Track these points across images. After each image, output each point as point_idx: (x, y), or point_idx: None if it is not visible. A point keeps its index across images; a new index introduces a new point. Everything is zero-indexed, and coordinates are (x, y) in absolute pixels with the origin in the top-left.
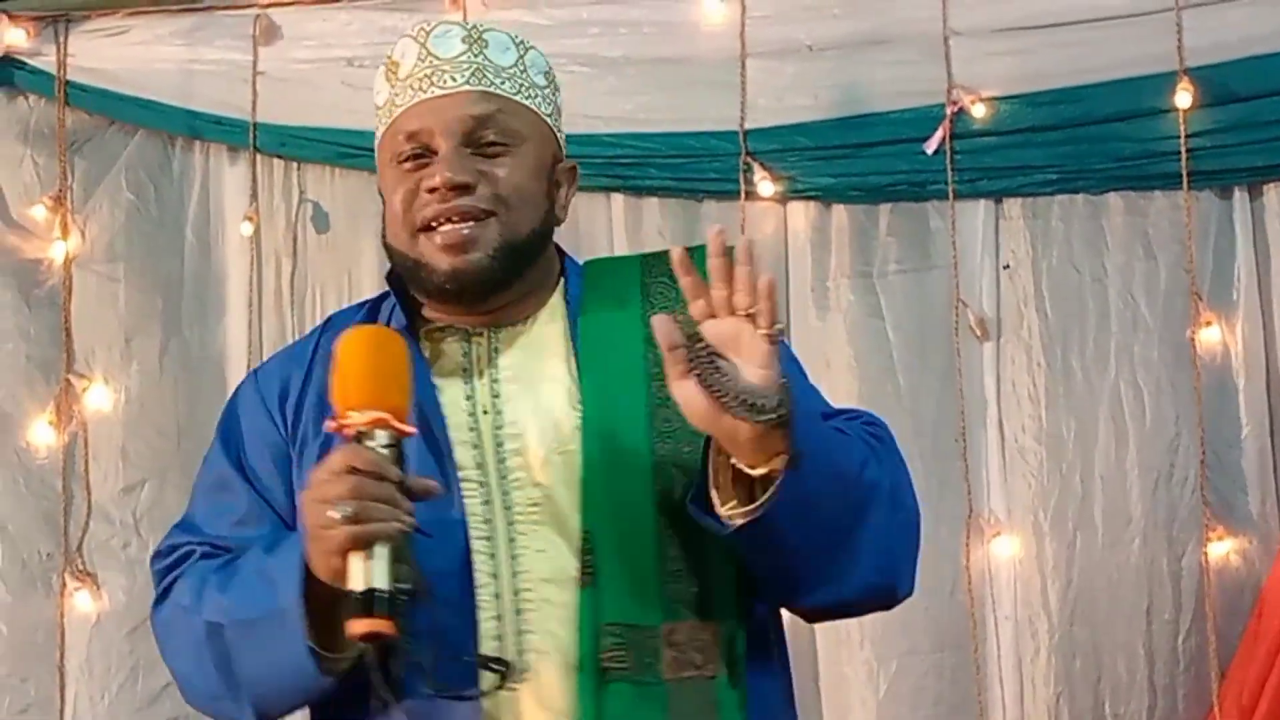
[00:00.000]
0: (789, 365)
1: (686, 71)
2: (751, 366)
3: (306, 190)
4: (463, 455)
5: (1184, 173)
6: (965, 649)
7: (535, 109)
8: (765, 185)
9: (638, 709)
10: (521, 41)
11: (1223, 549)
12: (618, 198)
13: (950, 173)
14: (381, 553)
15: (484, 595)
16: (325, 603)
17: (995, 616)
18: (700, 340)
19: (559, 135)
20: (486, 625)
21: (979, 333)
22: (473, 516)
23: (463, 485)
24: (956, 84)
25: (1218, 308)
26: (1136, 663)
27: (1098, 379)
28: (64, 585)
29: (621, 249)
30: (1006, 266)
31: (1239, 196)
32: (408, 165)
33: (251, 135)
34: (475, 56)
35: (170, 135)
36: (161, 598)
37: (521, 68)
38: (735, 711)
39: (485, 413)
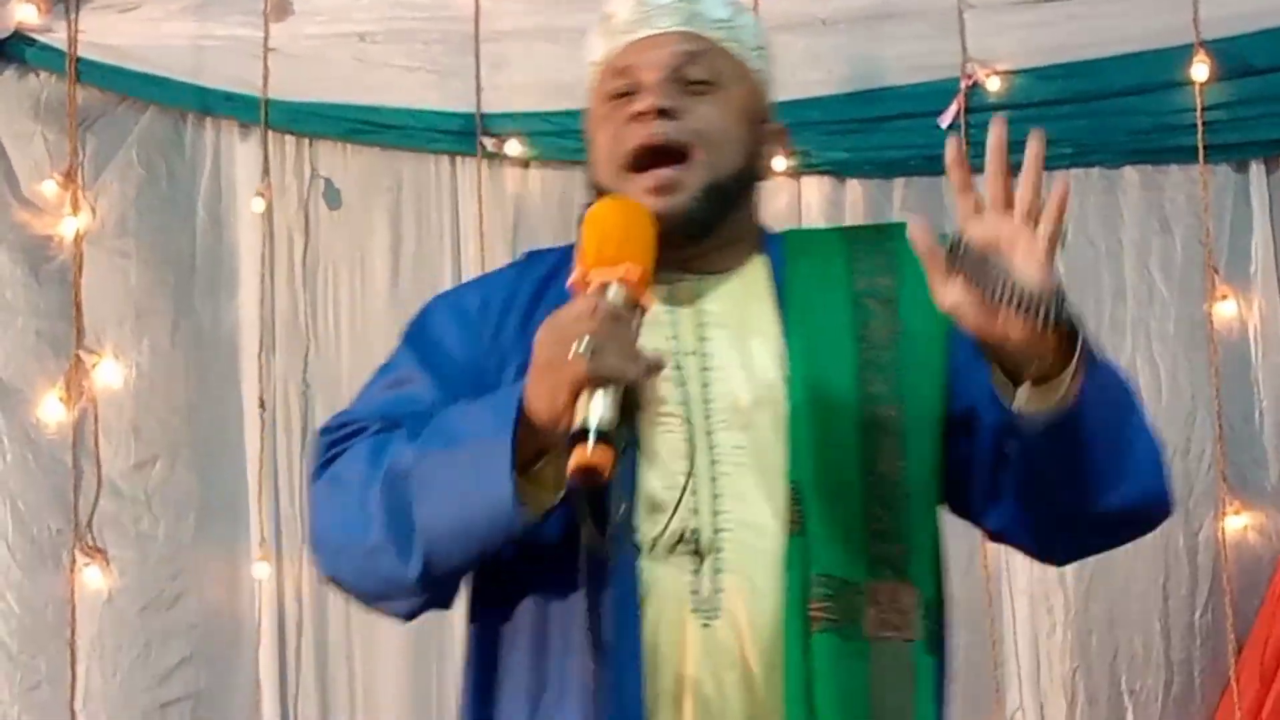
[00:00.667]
0: None
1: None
2: (1027, 267)
3: (318, 166)
4: (666, 391)
5: (1200, 146)
6: (982, 625)
7: (744, 61)
8: (778, 160)
9: (842, 662)
10: (738, 4)
11: (1239, 523)
12: None
13: (965, 147)
14: (612, 394)
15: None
16: (531, 449)
17: (1011, 592)
18: (961, 244)
19: (767, 98)
20: (689, 562)
21: None
22: (673, 452)
23: (666, 420)
24: (971, 58)
25: (1234, 282)
26: (1153, 638)
27: (1114, 354)
28: (74, 561)
29: None
30: None
31: (1255, 170)
32: (616, 102)
33: (263, 111)
34: (690, 3)
35: (181, 111)
36: (323, 467)
37: (734, 24)
38: (929, 677)
39: (691, 353)
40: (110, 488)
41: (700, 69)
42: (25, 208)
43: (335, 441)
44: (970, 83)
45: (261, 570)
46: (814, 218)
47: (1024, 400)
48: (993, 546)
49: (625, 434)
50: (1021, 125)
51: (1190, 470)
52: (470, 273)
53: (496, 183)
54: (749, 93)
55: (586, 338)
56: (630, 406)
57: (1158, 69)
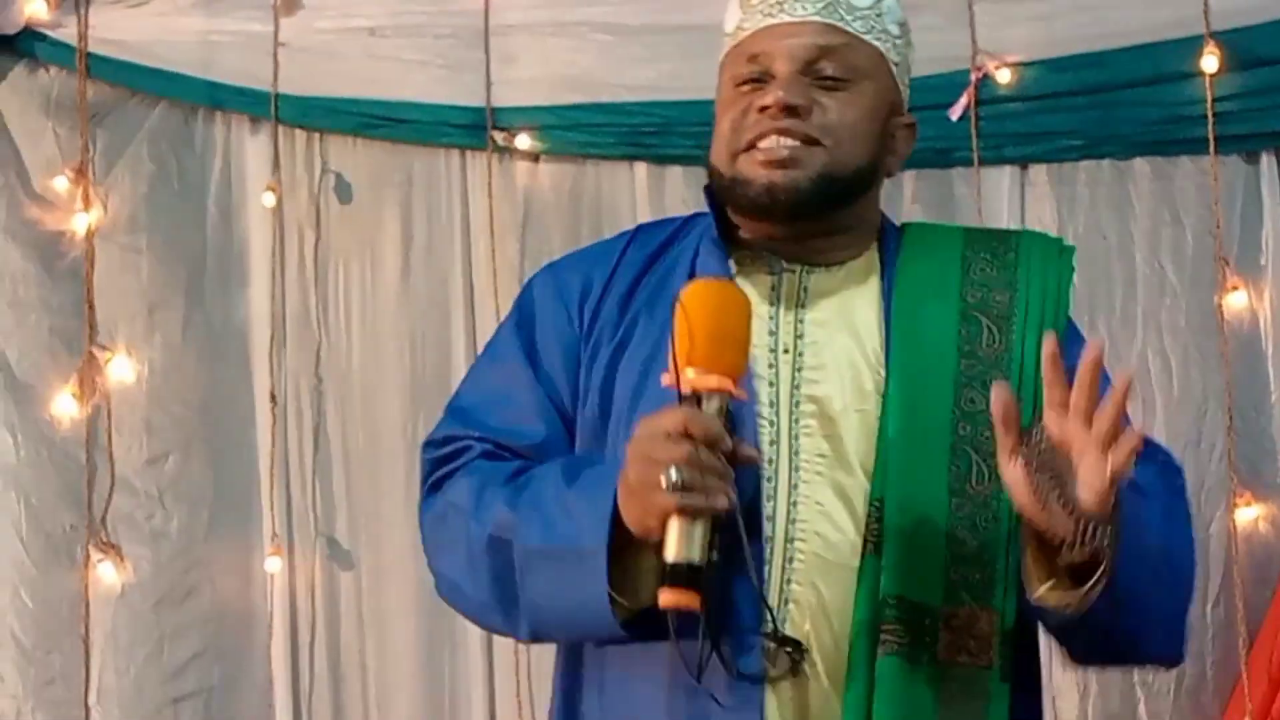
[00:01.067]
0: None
1: (709, 39)
2: (1086, 487)
3: (329, 161)
4: (758, 389)
5: (1210, 137)
6: None
7: (884, 53)
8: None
9: (910, 686)
10: None
11: (1250, 515)
12: (640, 166)
13: (975, 139)
14: (702, 525)
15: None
16: (626, 549)
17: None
18: (1037, 431)
19: (902, 88)
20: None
21: None
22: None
23: (756, 422)
24: (981, 49)
25: (1245, 273)
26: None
27: (1125, 346)
28: (88, 557)
29: (645, 218)
30: None
31: (1266, 161)
32: (745, 88)
33: (273, 106)
34: None
35: (192, 106)
36: (433, 490)
37: (878, 11)
38: (1004, 702)
39: (786, 351)
40: (123, 484)
41: (835, 64)
42: (37, 203)
43: (441, 459)
44: (980, 75)
45: (273, 564)
46: None
47: (1043, 591)
48: None
49: (717, 551)
50: (1032, 117)
51: (1200, 463)
52: (480, 267)
53: (507, 177)
54: (884, 87)
55: (674, 470)
56: (720, 524)
57: (1168, 60)
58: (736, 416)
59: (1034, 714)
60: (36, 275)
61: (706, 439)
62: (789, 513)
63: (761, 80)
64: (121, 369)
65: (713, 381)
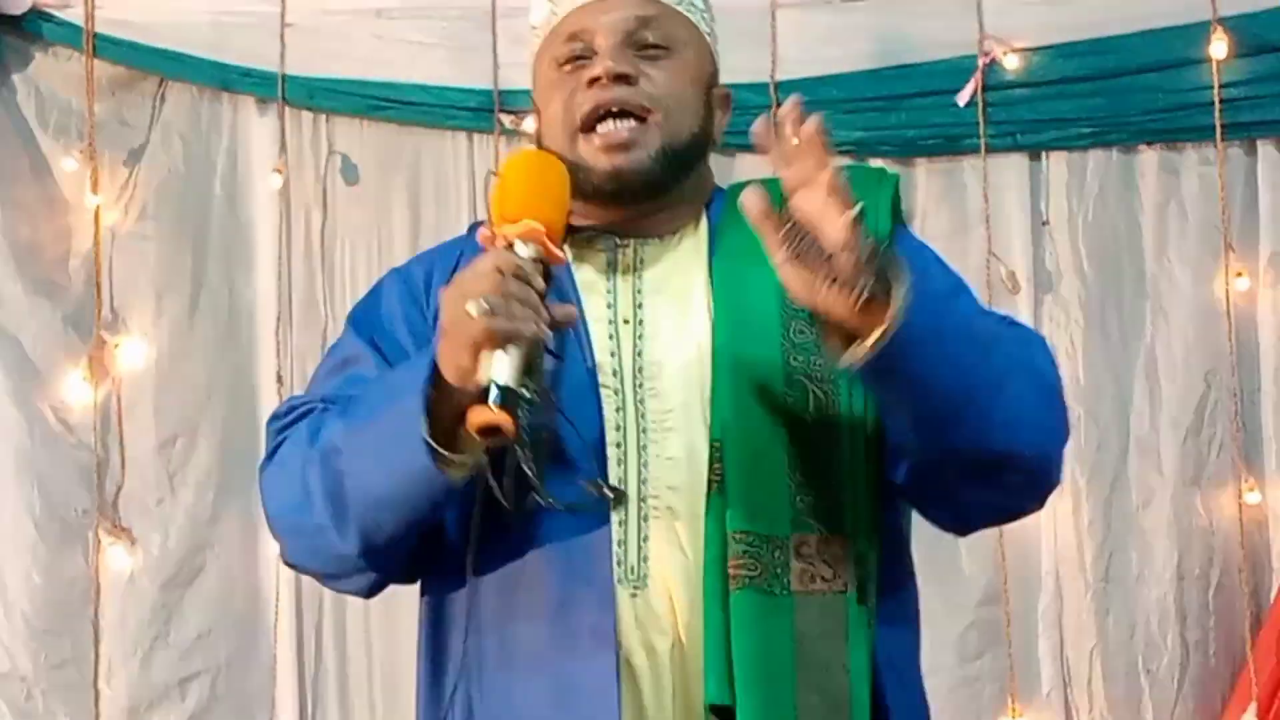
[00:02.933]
0: (915, 254)
1: (716, 22)
2: (832, 242)
3: (335, 142)
4: (601, 359)
5: (1217, 124)
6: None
7: (696, 23)
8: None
9: (764, 618)
10: None
11: (1252, 501)
12: None
13: (982, 125)
14: (514, 352)
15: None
16: (449, 410)
17: (1035, 573)
18: (786, 216)
19: (717, 59)
20: (613, 530)
21: (1010, 286)
22: (606, 422)
23: (601, 391)
24: (988, 35)
25: (1248, 260)
26: (1168, 619)
27: (1132, 333)
28: (98, 541)
29: None
30: (1045, 223)
31: (1263, 151)
32: (568, 68)
33: (280, 87)
34: None
35: (199, 87)
36: (270, 455)
37: None
38: (864, 628)
39: (626, 322)
40: (134, 467)
41: (656, 33)
42: (45, 186)
43: (282, 428)
44: (988, 60)
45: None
46: None
47: (850, 356)
48: (1014, 527)
49: (532, 389)
50: (1040, 104)
51: (1202, 449)
52: None
53: None
54: (702, 56)
55: (481, 299)
56: (534, 361)
57: (1176, 46)
58: (576, 379)
59: (908, 650)
60: (45, 259)
61: (515, 273)
62: (640, 474)
63: (584, 57)
64: (131, 353)
65: (520, 228)
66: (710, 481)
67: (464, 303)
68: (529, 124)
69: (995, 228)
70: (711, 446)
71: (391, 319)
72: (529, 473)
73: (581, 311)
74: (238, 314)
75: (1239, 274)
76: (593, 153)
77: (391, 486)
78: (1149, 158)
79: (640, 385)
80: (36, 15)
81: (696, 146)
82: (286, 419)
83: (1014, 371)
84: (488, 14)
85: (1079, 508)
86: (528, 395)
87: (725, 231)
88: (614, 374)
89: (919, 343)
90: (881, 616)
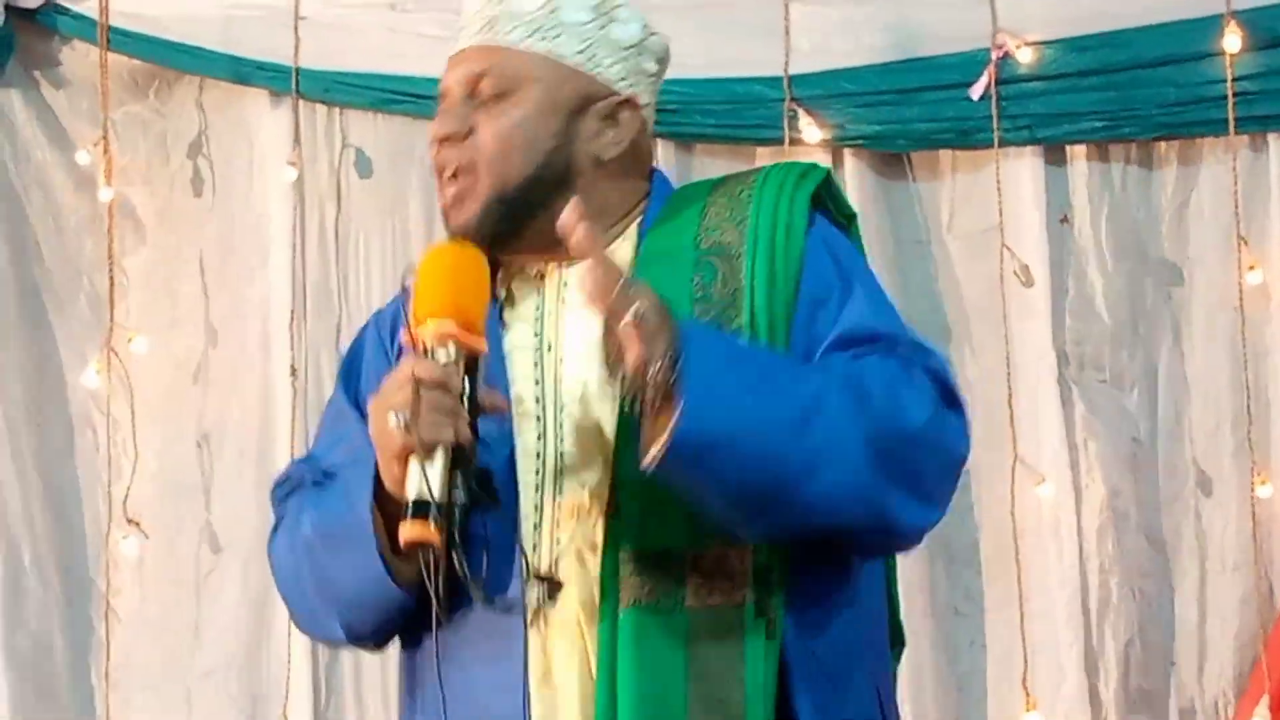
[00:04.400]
0: (815, 264)
1: (729, 15)
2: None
3: (349, 136)
4: (524, 389)
5: (1230, 117)
6: (1037, 600)
7: (548, 52)
8: (811, 131)
9: (655, 636)
10: None
11: (1265, 494)
12: (665, 145)
13: (996, 119)
14: (436, 460)
15: (526, 527)
16: (397, 512)
17: (1062, 569)
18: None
19: (599, 72)
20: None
21: (1024, 279)
22: (525, 455)
23: (521, 422)
24: (1002, 28)
25: (1262, 252)
26: (1189, 612)
27: (1155, 327)
28: (108, 533)
29: None
30: (1064, 220)
31: (1275, 144)
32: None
33: (294, 81)
34: (494, 7)
35: (212, 81)
36: (274, 530)
37: (551, 9)
38: (761, 639)
39: (550, 349)
40: (146, 462)
41: (491, 82)
42: (59, 179)
43: (283, 497)
44: (1001, 53)
45: None
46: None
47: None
48: (1041, 523)
49: (461, 488)
50: (1053, 97)
51: (1220, 442)
52: None
53: None
54: (558, 83)
55: (396, 412)
56: (462, 460)
57: (1189, 40)
58: (489, 373)
59: (845, 658)
60: (59, 252)
61: (429, 381)
62: (555, 499)
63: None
64: (144, 347)
65: (431, 329)
66: (606, 504)
67: (384, 415)
68: None
69: (1010, 221)
70: (614, 466)
71: (367, 373)
72: (462, 575)
73: (501, 345)
74: (252, 306)
75: (1252, 267)
76: (444, 207)
77: (359, 588)
78: (1166, 151)
79: (560, 409)
80: (52, 9)
81: (542, 182)
82: (282, 490)
83: (835, 448)
84: None
85: (1106, 504)
86: (450, 501)
87: (650, 235)
88: (537, 401)
89: (706, 450)
90: (799, 627)
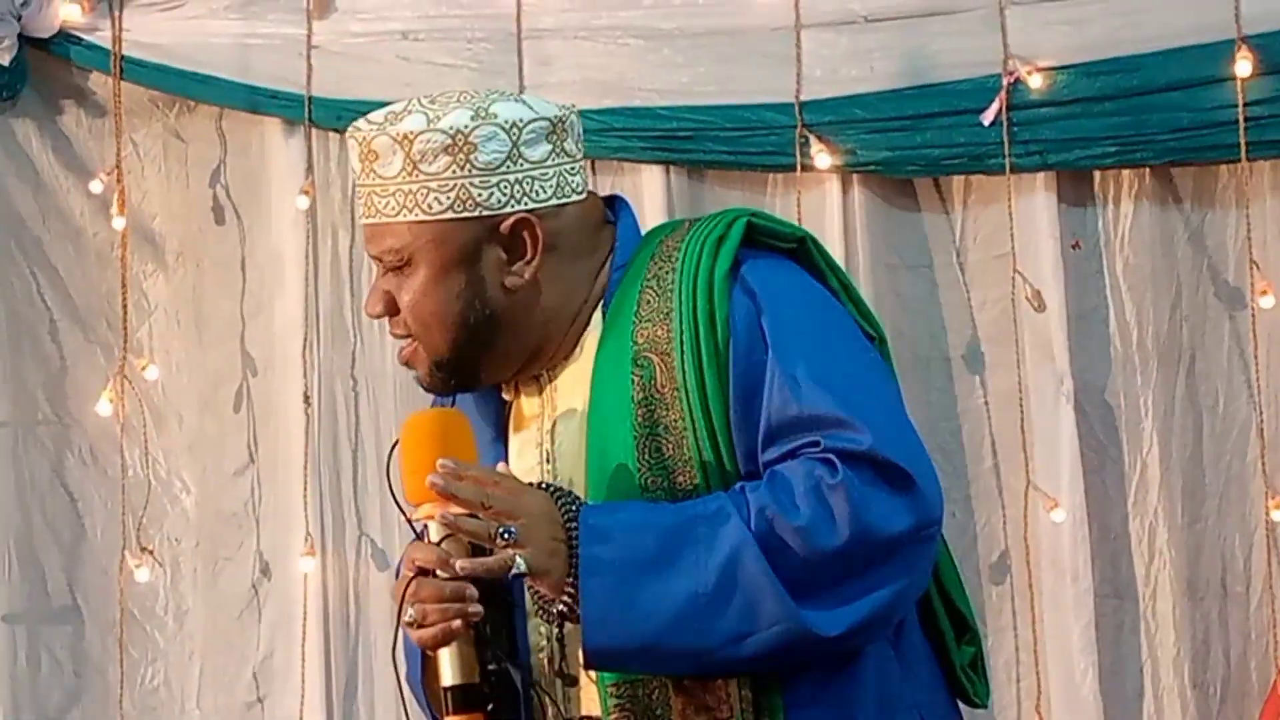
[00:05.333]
0: (764, 334)
1: (741, 43)
2: None
3: None
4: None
5: (1242, 142)
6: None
7: (424, 214)
8: (823, 158)
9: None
10: (405, 135)
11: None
12: (676, 171)
13: (1007, 144)
14: (461, 647)
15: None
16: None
17: (1077, 594)
18: None
19: (478, 210)
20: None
21: (1036, 305)
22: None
23: None
24: (1013, 54)
25: (1276, 276)
26: (1213, 634)
27: (1169, 352)
28: (123, 561)
29: None
30: (1076, 245)
31: None
32: None
33: (306, 109)
34: (368, 179)
35: (226, 109)
36: None
37: (410, 168)
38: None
39: (549, 460)
40: (160, 490)
41: (390, 258)
42: (72, 207)
43: None
44: (1013, 79)
45: (307, 564)
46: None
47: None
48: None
49: (492, 659)
50: (1065, 123)
51: (1238, 469)
52: None
53: None
54: (437, 247)
55: (408, 609)
56: (484, 634)
57: (1200, 65)
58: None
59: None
60: (73, 280)
61: (427, 567)
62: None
63: None
64: (157, 375)
65: (419, 513)
66: None
67: (403, 608)
68: None
69: (1022, 247)
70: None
71: None
72: None
73: (507, 454)
74: (265, 334)
75: (1264, 291)
76: None
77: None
78: (1179, 176)
79: None
80: (64, 38)
81: (469, 339)
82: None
83: (756, 609)
84: (512, 35)
85: (1125, 528)
86: (478, 679)
87: (606, 329)
88: None
89: (626, 656)
90: (798, 702)
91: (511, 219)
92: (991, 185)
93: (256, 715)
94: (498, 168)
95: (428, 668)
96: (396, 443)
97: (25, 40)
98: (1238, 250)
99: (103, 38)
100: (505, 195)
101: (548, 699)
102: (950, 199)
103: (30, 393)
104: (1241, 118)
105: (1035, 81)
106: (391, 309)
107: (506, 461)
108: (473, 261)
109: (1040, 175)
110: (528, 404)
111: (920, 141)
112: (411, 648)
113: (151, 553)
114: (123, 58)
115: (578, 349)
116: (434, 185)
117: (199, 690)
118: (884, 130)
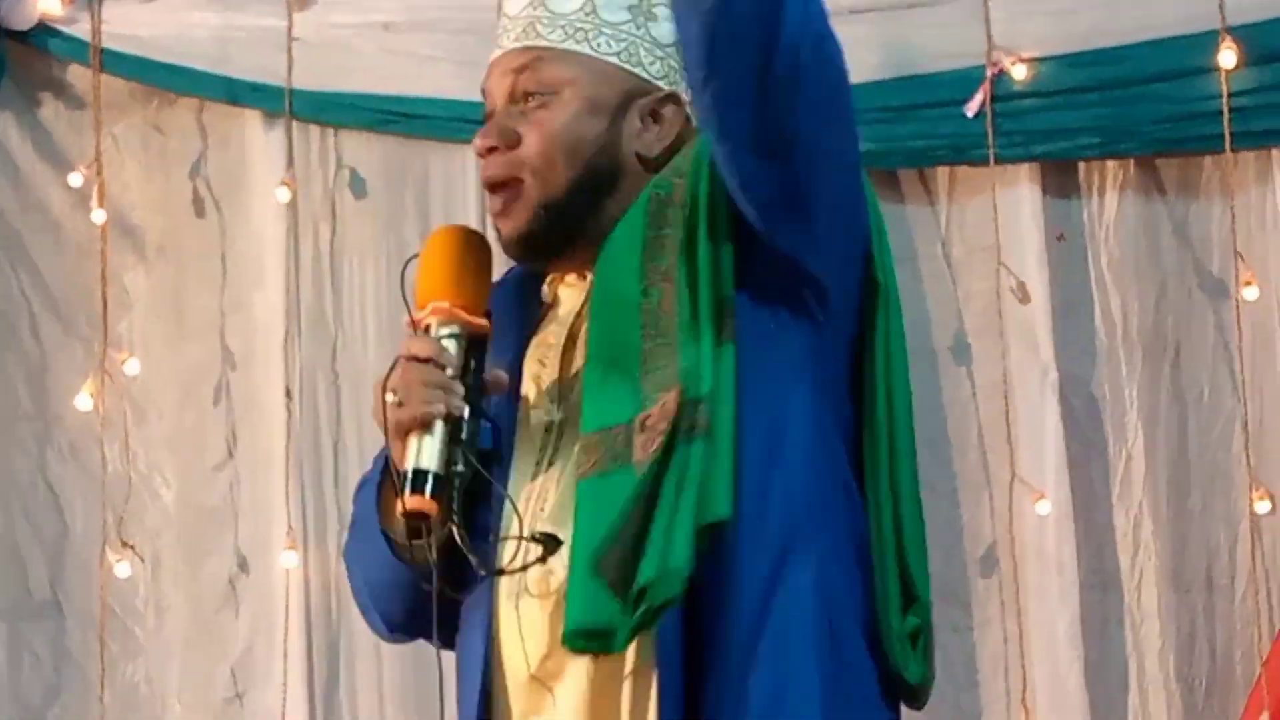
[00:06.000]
0: None
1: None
2: None
3: (344, 156)
4: (537, 382)
5: (1226, 133)
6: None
7: (592, 51)
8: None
9: (603, 498)
10: None
11: (1263, 509)
12: None
13: (991, 136)
14: (434, 435)
15: (520, 506)
16: None
17: (1062, 585)
18: None
19: (640, 69)
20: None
21: (1020, 297)
22: (530, 439)
23: (530, 408)
24: (997, 45)
25: (1260, 268)
26: (1198, 626)
27: (1154, 344)
28: (103, 556)
29: None
30: (1060, 237)
31: (1277, 158)
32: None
33: (288, 101)
34: (534, 9)
35: (206, 102)
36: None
37: (589, 9)
38: (698, 462)
39: (573, 343)
40: (140, 484)
41: (530, 82)
42: (51, 200)
43: (353, 501)
44: (997, 70)
45: (289, 559)
46: None
47: None
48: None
49: (458, 461)
50: (1049, 114)
51: (1223, 459)
52: (497, 264)
53: None
54: (596, 83)
55: (391, 390)
56: (460, 435)
57: (1185, 56)
58: (506, 361)
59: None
60: (51, 273)
61: (424, 357)
62: (554, 484)
63: (489, 118)
64: (137, 369)
65: (427, 310)
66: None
67: (380, 395)
68: None
69: (1007, 238)
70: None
71: None
72: (463, 547)
73: (520, 348)
74: (246, 328)
75: (1248, 283)
76: (493, 219)
77: (380, 575)
78: (1163, 167)
79: (572, 406)
80: (43, 30)
81: (588, 185)
82: (356, 492)
83: None
84: (494, 27)
85: (1110, 520)
86: (444, 472)
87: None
88: (548, 394)
89: None
90: (750, 456)
91: (664, 93)
92: (976, 177)
93: (236, 711)
94: (665, 45)
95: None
96: (415, 255)
97: (4, 32)
98: (1222, 241)
99: (82, 30)
100: (665, 70)
101: (515, 517)
102: (935, 191)
103: (10, 387)
104: (1226, 109)
105: (1019, 72)
106: (511, 142)
107: (521, 359)
108: (618, 113)
109: (1025, 166)
110: (565, 297)
111: (904, 133)
112: (364, 487)
113: (132, 548)
114: (102, 50)
115: None
116: (608, 31)
117: (179, 686)
118: (867, 122)
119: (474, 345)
